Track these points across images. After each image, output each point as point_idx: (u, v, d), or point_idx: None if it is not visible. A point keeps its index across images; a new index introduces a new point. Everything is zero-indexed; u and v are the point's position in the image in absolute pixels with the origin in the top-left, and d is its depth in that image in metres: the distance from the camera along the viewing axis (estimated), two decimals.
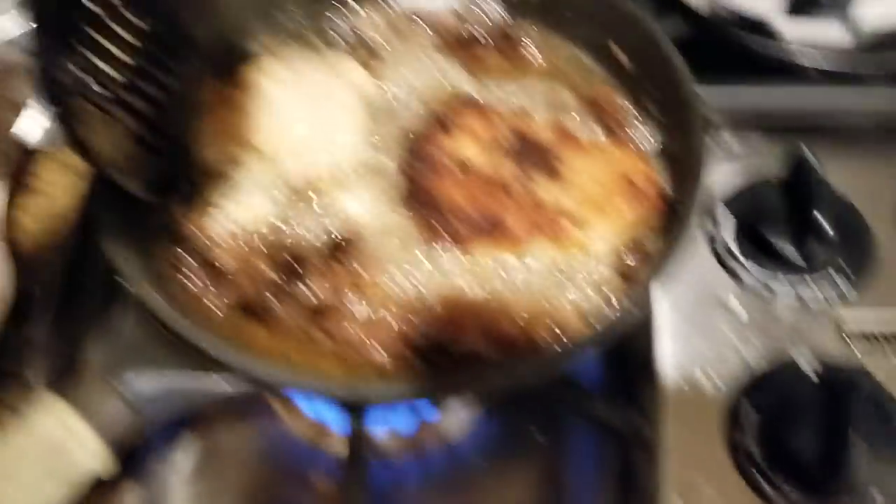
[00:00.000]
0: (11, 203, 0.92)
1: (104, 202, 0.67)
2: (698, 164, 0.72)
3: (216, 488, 0.77)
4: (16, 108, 0.87)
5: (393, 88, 0.86)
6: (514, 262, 0.72)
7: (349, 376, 0.65)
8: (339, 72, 0.86)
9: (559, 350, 0.64)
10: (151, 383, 0.60)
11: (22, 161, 0.97)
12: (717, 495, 0.72)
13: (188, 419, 0.79)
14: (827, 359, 0.77)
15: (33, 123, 0.96)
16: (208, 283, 0.71)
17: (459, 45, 0.90)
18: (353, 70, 0.87)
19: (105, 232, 0.66)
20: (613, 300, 0.69)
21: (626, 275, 0.71)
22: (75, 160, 0.96)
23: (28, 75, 0.89)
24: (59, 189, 0.96)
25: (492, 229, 0.72)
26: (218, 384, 0.61)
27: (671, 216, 0.73)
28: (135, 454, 0.76)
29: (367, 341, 0.67)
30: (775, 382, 0.77)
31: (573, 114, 0.83)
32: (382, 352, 0.67)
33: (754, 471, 0.72)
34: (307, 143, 0.80)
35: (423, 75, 0.87)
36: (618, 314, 0.65)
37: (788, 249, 0.83)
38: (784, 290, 0.83)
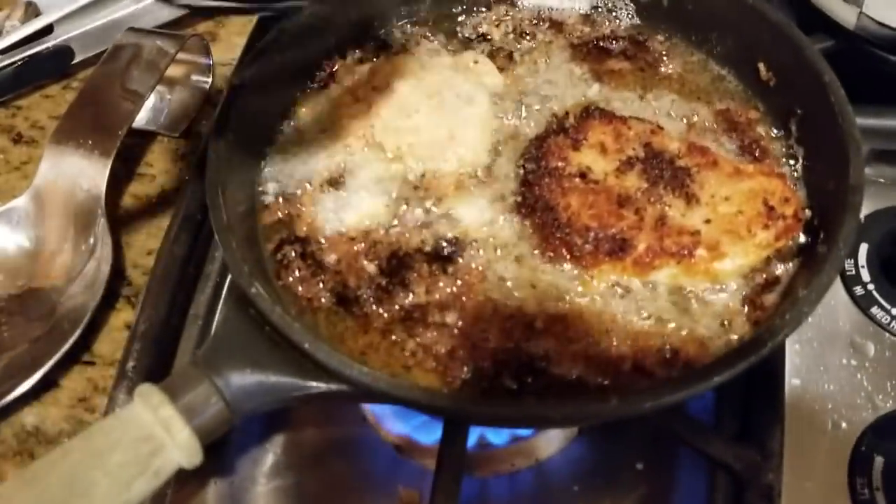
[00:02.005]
0: (118, 185, 0.94)
1: (218, 195, 0.67)
2: (853, 194, 0.67)
3: (297, 486, 0.76)
4: (134, 94, 0.88)
5: (522, 91, 0.84)
6: (636, 286, 0.68)
7: (448, 390, 0.63)
8: (471, 71, 0.84)
9: (673, 380, 0.60)
10: (249, 381, 0.59)
11: (131, 144, 0.98)
12: None
13: (274, 416, 0.79)
14: None
15: (147, 108, 0.97)
16: (312, 278, 0.70)
17: (591, 51, 0.87)
18: (486, 71, 0.85)
19: (219, 226, 0.65)
20: (740, 332, 0.65)
21: (756, 305, 0.67)
22: (182, 146, 0.98)
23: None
24: (165, 174, 0.97)
25: (618, 250, 0.68)
26: (314, 388, 0.60)
27: (812, 248, 0.68)
28: (218, 446, 0.76)
29: (455, 352, 0.65)
30: None
31: (708, 130, 0.79)
32: (469, 365, 0.64)
33: None
34: (431, 141, 0.78)
35: (554, 81, 0.85)
36: (745, 348, 0.60)
37: None
38: None
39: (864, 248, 0.83)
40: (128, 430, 0.55)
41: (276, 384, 0.60)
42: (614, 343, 0.65)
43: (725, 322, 0.66)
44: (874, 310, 0.79)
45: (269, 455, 0.78)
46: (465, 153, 0.78)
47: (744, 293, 0.68)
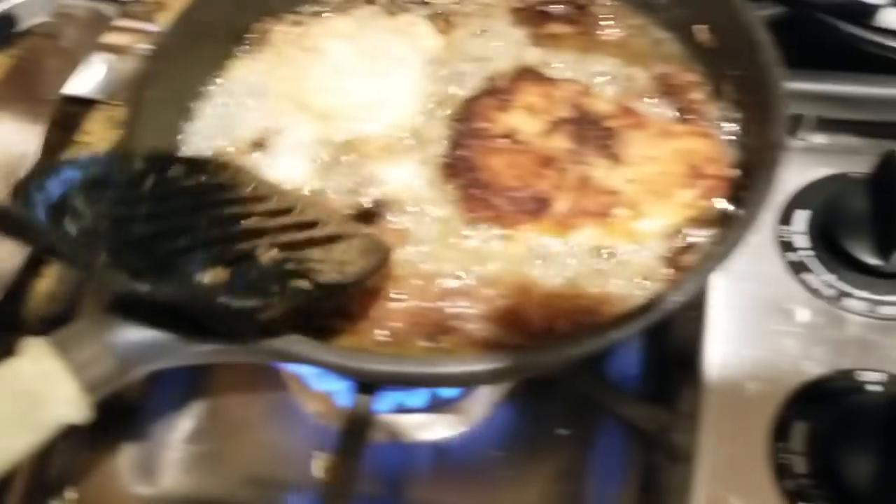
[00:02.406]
0: (53, 152, 0.93)
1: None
2: (774, 153, 0.66)
3: (214, 453, 0.76)
4: (70, 59, 0.87)
5: (459, 54, 0.82)
6: (556, 246, 0.67)
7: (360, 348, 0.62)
8: (408, 34, 0.83)
9: (587, 334, 0.59)
10: (141, 338, 0.58)
11: (72, 112, 0.97)
12: None
13: (195, 382, 0.78)
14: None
15: (84, 75, 0.96)
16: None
17: (532, 15, 0.85)
18: (423, 34, 0.84)
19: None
20: (657, 289, 0.64)
21: (675, 264, 0.66)
22: (121, 114, 0.97)
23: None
24: (103, 142, 0.96)
25: (537, 210, 0.67)
26: (208, 346, 0.59)
27: (736, 207, 0.67)
28: (132, 411, 0.76)
29: (367, 312, 0.64)
30: (832, 396, 0.71)
31: (645, 93, 0.78)
32: (387, 325, 0.63)
33: (798, 491, 0.66)
34: (360, 102, 0.77)
35: (494, 45, 0.83)
36: (660, 302, 0.59)
37: (867, 256, 0.76)
38: (857, 299, 0.76)
39: (802, 215, 0.81)
40: (9, 383, 0.54)
41: (168, 341, 0.59)
42: (528, 303, 0.64)
43: (643, 282, 0.65)
44: (807, 276, 0.78)
45: (187, 421, 0.78)
46: (395, 115, 0.77)
47: (664, 254, 0.67)
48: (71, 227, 0.53)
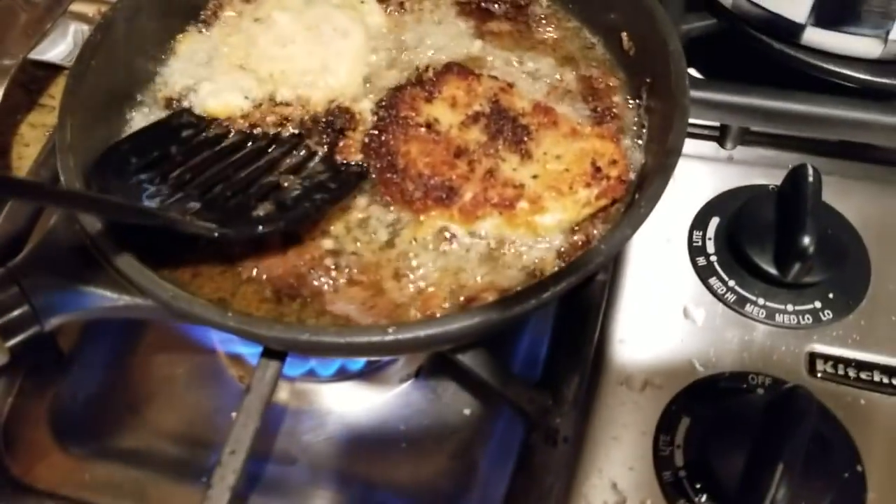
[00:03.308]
0: (14, 112, 0.97)
1: (66, 116, 0.70)
2: (670, 159, 0.69)
3: (138, 406, 0.80)
4: (38, 19, 0.91)
5: (401, 36, 0.86)
6: (461, 235, 0.71)
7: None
8: (355, 9, 0.86)
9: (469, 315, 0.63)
10: (58, 289, 0.63)
11: (39, 76, 1.01)
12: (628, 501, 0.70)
13: (127, 337, 0.82)
14: (784, 379, 0.74)
15: (52, 41, 1.00)
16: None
17: (475, 10, 0.89)
18: (370, 10, 0.87)
19: (61, 145, 0.68)
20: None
21: (569, 259, 0.69)
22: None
23: None
24: None
25: (445, 198, 0.71)
26: (121, 301, 0.63)
27: (628, 209, 0.70)
28: (67, 358, 0.80)
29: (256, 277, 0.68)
30: (719, 395, 0.74)
31: (567, 94, 0.81)
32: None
33: (674, 482, 0.70)
34: (303, 69, 0.80)
35: (436, 32, 0.87)
36: (524, 293, 0.62)
37: (768, 265, 0.79)
38: (755, 305, 0.79)
39: (714, 222, 0.85)
40: None
41: (84, 294, 0.63)
42: (408, 289, 0.68)
43: (535, 274, 0.69)
44: (712, 280, 0.81)
45: (116, 374, 0.82)
46: (335, 83, 0.80)
47: (560, 248, 0.70)
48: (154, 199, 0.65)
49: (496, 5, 0.89)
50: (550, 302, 0.63)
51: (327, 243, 0.71)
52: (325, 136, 0.77)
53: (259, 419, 0.66)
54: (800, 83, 0.87)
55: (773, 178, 0.87)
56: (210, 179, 0.70)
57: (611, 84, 0.82)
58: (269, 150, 0.75)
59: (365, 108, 0.79)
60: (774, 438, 0.65)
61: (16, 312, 0.62)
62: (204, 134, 0.76)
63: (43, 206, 0.83)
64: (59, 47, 1.06)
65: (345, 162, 0.75)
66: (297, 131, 0.77)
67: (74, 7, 1.04)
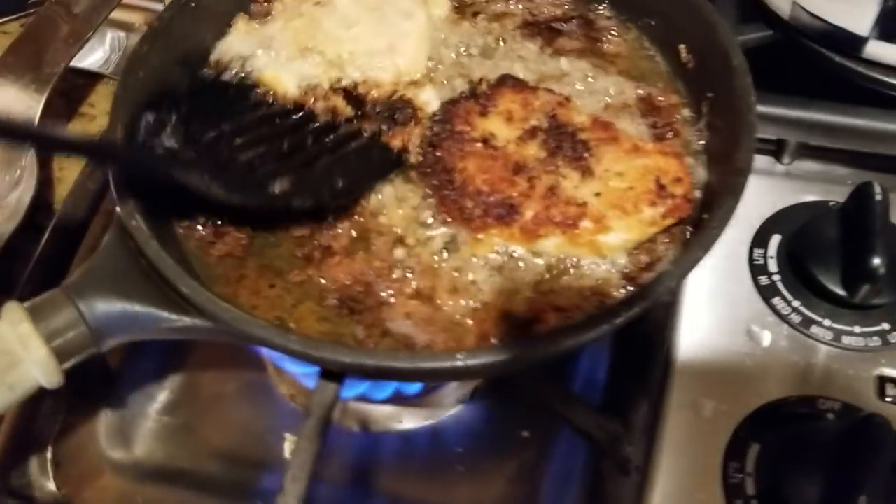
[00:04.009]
0: (58, 122, 0.96)
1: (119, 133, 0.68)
2: (739, 179, 0.67)
3: (188, 426, 0.78)
4: (80, 28, 0.90)
5: (463, 38, 0.84)
6: (521, 253, 0.69)
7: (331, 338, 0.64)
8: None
9: (534, 342, 0.61)
10: (114, 309, 0.61)
11: (79, 84, 1.00)
12: None
13: (174, 355, 0.81)
14: (853, 404, 0.71)
15: (93, 49, 0.99)
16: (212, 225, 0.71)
17: (542, 28, 0.86)
18: (436, 2, 0.86)
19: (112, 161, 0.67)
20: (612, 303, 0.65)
21: (634, 280, 0.67)
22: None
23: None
24: (106, 115, 0.98)
25: (505, 216, 0.69)
26: (178, 321, 0.61)
27: (697, 229, 0.68)
28: (111, 379, 0.78)
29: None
30: (788, 420, 0.72)
31: (623, 106, 0.79)
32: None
33: None
34: (371, 50, 0.80)
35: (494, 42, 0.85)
36: (612, 316, 0.60)
37: (834, 285, 0.77)
38: (820, 326, 0.77)
39: (775, 240, 0.82)
40: None
41: (141, 314, 0.62)
42: (465, 306, 0.66)
43: (598, 295, 0.67)
44: (776, 300, 0.79)
45: (165, 393, 0.81)
46: (403, 63, 0.79)
47: (624, 269, 0.68)
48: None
49: (563, 24, 0.87)
50: (623, 327, 0.61)
51: (398, 253, 0.69)
52: (381, 124, 0.75)
53: (319, 444, 0.65)
54: (858, 97, 0.85)
55: (831, 194, 0.85)
56: (241, 146, 0.70)
57: (671, 99, 0.80)
58: (311, 125, 0.74)
59: (427, 99, 0.78)
60: (854, 468, 0.62)
61: (72, 334, 0.61)
62: (251, 102, 0.75)
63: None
64: (96, 54, 1.05)
65: (386, 146, 0.74)
66: (351, 114, 0.76)
67: (112, 15, 1.03)
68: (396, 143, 0.74)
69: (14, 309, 0.59)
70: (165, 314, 0.62)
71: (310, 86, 0.77)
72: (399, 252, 0.70)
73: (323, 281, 0.68)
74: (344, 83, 0.78)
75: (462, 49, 0.83)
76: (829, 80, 0.87)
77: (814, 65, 0.88)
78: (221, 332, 0.61)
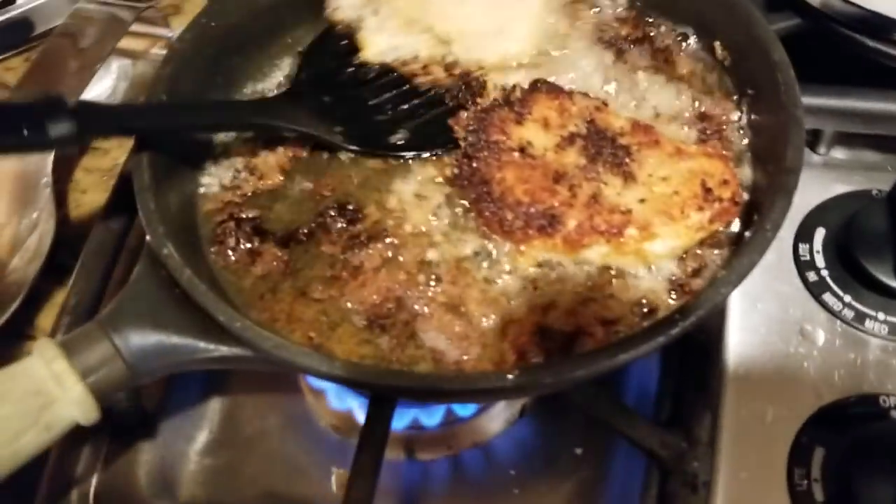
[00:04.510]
0: (70, 158, 0.94)
1: (143, 156, 0.67)
2: (790, 177, 0.64)
3: (230, 465, 0.76)
4: (88, 62, 0.88)
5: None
6: (564, 264, 0.66)
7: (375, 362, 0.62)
8: None
9: (591, 354, 0.59)
10: (150, 341, 0.59)
11: None
12: None
13: (211, 391, 0.78)
14: None
15: (101, 80, 0.97)
16: (247, 245, 0.69)
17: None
18: None
19: (140, 185, 0.65)
20: (665, 313, 0.63)
21: (684, 288, 0.65)
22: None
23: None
24: (119, 149, 0.96)
25: (548, 227, 0.66)
26: (216, 351, 0.59)
27: (748, 232, 0.66)
28: (153, 418, 0.76)
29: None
30: (851, 421, 0.69)
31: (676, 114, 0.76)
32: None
33: None
34: (481, 31, 0.79)
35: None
36: (669, 327, 0.58)
37: (887, 276, 0.74)
38: (875, 320, 0.74)
39: (820, 233, 0.80)
40: (19, 382, 0.55)
41: (178, 346, 0.59)
42: (502, 318, 0.64)
43: (647, 305, 0.64)
44: (826, 296, 0.76)
45: (204, 433, 0.78)
46: (512, 48, 0.78)
47: (673, 276, 0.66)
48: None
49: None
50: (680, 337, 0.59)
51: (431, 253, 0.68)
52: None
53: (375, 479, 0.62)
54: (886, 81, 0.83)
55: (872, 182, 0.82)
56: (353, 102, 0.77)
57: (711, 98, 0.77)
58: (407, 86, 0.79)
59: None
60: None
61: (108, 369, 0.58)
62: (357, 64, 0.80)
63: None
64: (103, 84, 1.02)
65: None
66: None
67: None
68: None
69: (48, 346, 0.57)
70: (202, 344, 0.59)
71: (414, 58, 0.79)
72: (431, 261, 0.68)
73: (350, 304, 0.66)
74: (448, 60, 0.79)
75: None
76: (861, 67, 0.85)
77: (846, 51, 0.85)
78: (262, 361, 0.59)
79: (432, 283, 0.67)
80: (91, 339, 0.58)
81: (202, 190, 0.73)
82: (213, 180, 0.74)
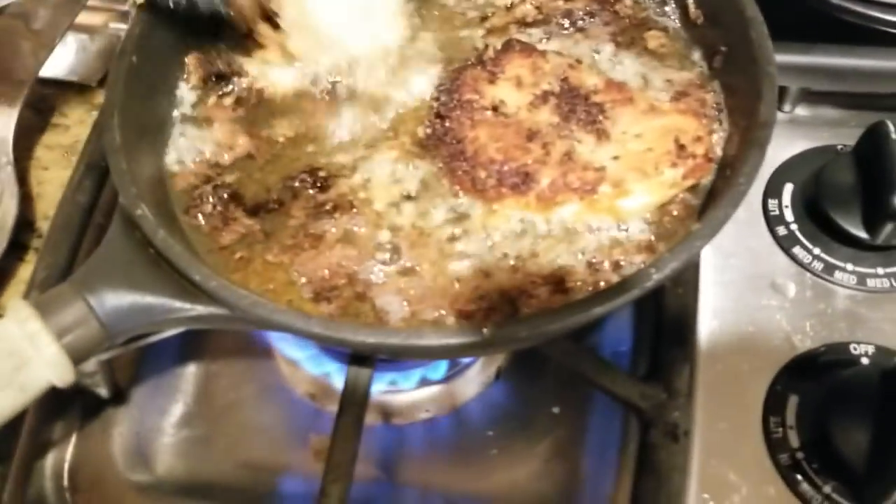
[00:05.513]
0: (30, 135, 0.91)
1: (113, 116, 0.65)
2: (763, 132, 0.65)
3: (207, 437, 0.75)
4: (43, 41, 0.86)
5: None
6: (536, 221, 0.66)
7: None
8: None
9: (565, 309, 0.58)
10: (124, 301, 0.58)
11: (46, 94, 0.96)
12: (749, 492, 0.66)
13: (185, 363, 0.77)
14: (886, 346, 0.71)
15: (58, 56, 0.94)
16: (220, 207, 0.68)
17: None
18: None
19: (110, 147, 0.63)
20: (639, 267, 0.63)
21: (658, 243, 0.65)
22: (99, 95, 0.95)
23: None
24: (80, 125, 0.94)
25: (521, 185, 0.66)
26: (192, 310, 0.58)
27: (721, 187, 0.66)
28: (126, 391, 0.74)
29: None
30: (823, 369, 0.71)
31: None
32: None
33: (792, 465, 0.66)
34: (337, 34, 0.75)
35: None
36: (642, 279, 0.58)
37: (855, 228, 0.76)
38: (844, 271, 0.76)
39: (788, 189, 0.81)
40: None
41: (153, 305, 0.58)
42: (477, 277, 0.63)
43: (623, 260, 0.64)
44: (796, 249, 0.78)
45: (178, 405, 0.77)
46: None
47: (646, 233, 0.66)
48: None
49: None
50: (655, 290, 0.59)
51: (383, 235, 0.66)
52: None
53: (357, 440, 0.62)
54: (856, 38, 0.84)
55: (837, 138, 0.84)
56: None
57: (683, 55, 0.77)
58: None
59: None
60: None
61: (82, 329, 0.57)
62: None
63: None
64: (62, 61, 1.00)
65: None
66: None
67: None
68: None
69: (21, 306, 0.55)
70: (178, 303, 0.58)
71: None
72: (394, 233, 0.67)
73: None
74: None
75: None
76: (825, 24, 0.86)
77: (809, 8, 0.86)
78: (237, 320, 0.58)
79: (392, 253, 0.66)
80: (65, 300, 0.57)
81: (173, 156, 0.72)
82: (186, 145, 0.73)
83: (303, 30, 0.74)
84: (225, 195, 0.69)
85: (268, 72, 0.75)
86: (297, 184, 0.69)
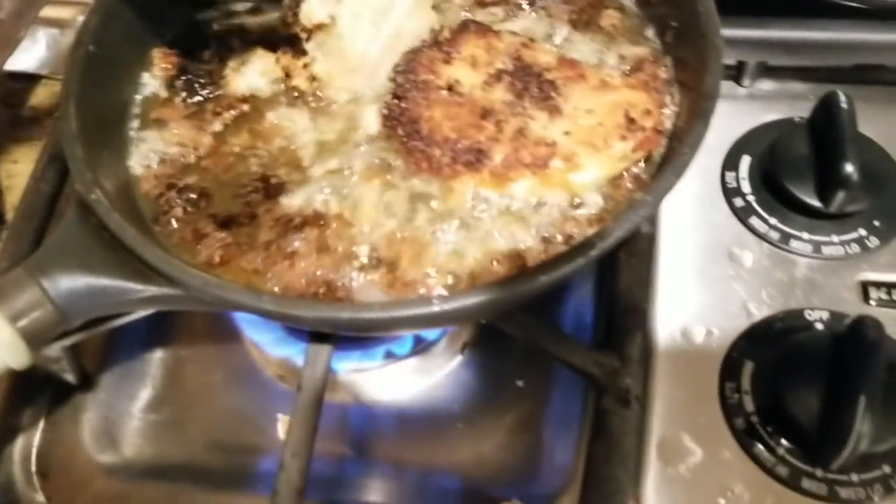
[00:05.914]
0: (1, 129, 0.92)
1: (70, 104, 0.66)
2: (708, 103, 0.66)
3: (176, 421, 0.76)
4: (9, 34, 0.86)
5: None
6: (492, 197, 0.67)
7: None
8: None
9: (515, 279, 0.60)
10: (79, 284, 0.59)
11: (16, 89, 0.97)
12: (705, 456, 0.67)
13: (153, 348, 0.78)
14: (840, 311, 0.72)
15: (26, 50, 0.95)
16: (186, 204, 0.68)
17: None
18: None
19: (66, 133, 0.64)
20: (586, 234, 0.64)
21: (609, 214, 0.66)
22: None
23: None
24: (50, 118, 0.95)
25: (475, 161, 0.67)
26: (146, 291, 0.59)
27: (670, 154, 0.67)
28: (93, 377, 0.76)
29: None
30: (779, 335, 0.72)
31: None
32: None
33: (747, 429, 0.68)
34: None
35: None
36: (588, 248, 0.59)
37: (809, 197, 0.77)
38: (799, 240, 0.77)
39: (745, 161, 0.82)
40: None
41: (108, 287, 0.59)
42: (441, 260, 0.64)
43: (575, 234, 0.65)
44: (753, 220, 0.79)
45: (147, 390, 0.78)
46: None
47: (599, 206, 0.67)
48: None
49: None
50: (599, 258, 0.60)
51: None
52: None
53: (316, 416, 0.63)
54: (813, 12, 0.85)
55: (796, 111, 0.85)
56: None
57: (637, 32, 0.78)
58: None
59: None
60: (850, 371, 0.63)
61: (37, 313, 0.58)
62: None
63: None
64: (32, 55, 1.01)
65: None
66: None
67: (44, 12, 0.99)
68: None
69: None
70: (132, 285, 0.59)
71: None
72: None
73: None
74: None
75: None
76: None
77: None
78: (191, 300, 0.59)
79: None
80: (18, 284, 0.58)
81: (137, 159, 0.72)
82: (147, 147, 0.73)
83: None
84: (192, 196, 0.69)
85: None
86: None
